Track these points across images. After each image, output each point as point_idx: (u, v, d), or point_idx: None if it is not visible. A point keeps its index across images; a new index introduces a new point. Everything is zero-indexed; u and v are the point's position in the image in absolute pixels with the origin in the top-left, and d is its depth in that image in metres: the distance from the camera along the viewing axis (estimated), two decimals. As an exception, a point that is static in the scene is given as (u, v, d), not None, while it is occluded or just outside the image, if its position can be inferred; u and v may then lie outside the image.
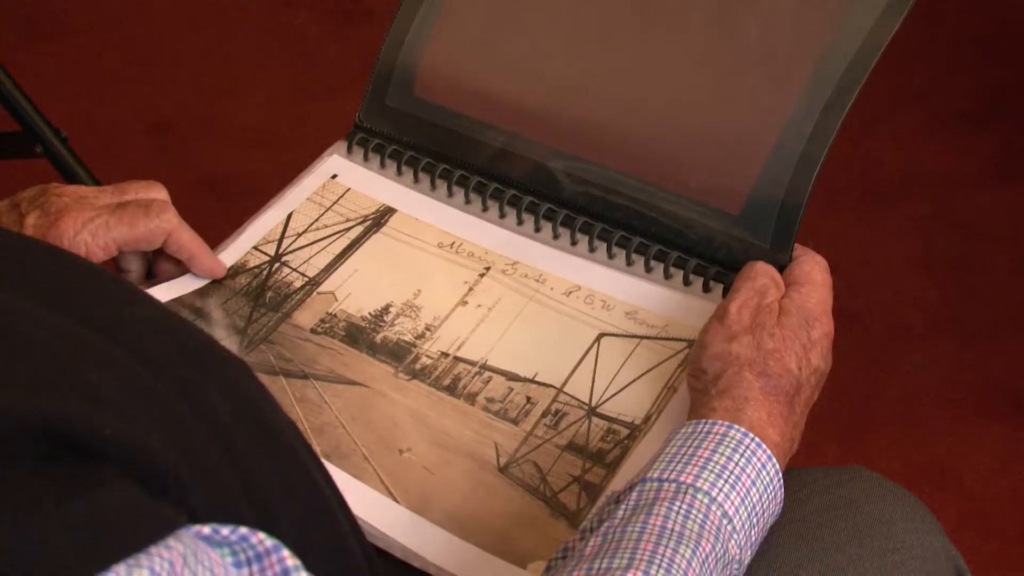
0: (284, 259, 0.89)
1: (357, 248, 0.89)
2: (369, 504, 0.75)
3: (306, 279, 0.88)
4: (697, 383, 0.73)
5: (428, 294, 0.85)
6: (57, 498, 0.41)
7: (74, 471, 0.43)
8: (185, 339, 0.56)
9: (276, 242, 0.90)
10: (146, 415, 0.47)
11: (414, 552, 0.73)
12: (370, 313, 0.85)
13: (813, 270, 0.77)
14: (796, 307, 0.74)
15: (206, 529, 0.46)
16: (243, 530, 0.46)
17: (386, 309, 0.85)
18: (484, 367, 0.81)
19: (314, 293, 0.87)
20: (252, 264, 0.89)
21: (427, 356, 0.82)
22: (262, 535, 0.46)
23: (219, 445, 0.52)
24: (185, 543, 0.44)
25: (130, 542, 0.42)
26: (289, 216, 0.91)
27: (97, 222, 0.79)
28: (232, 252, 0.89)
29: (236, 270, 0.88)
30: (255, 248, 0.90)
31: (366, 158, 0.94)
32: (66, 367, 0.46)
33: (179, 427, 0.50)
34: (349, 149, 0.95)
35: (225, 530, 0.46)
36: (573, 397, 0.79)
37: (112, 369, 0.48)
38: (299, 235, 0.90)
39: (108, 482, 0.43)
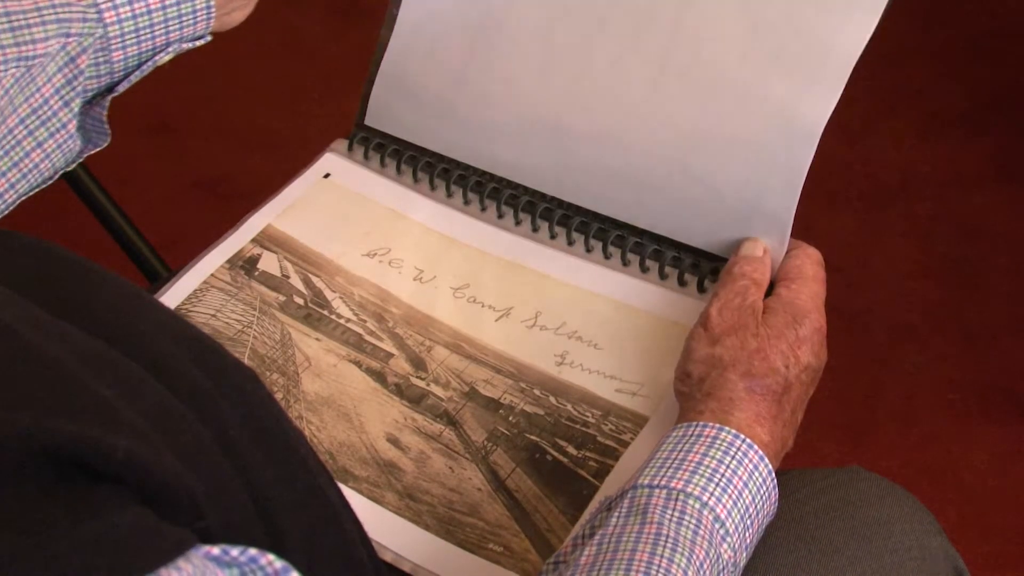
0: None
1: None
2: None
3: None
4: (683, 387, 0.73)
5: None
6: (69, 520, 0.42)
7: (87, 493, 0.43)
8: (195, 346, 0.56)
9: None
10: (160, 432, 0.47)
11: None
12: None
13: (804, 264, 0.76)
14: (783, 304, 0.73)
15: (215, 550, 0.46)
16: (252, 551, 0.46)
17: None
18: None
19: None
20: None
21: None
22: (271, 556, 0.46)
23: (229, 457, 0.52)
24: (194, 564, 0.44)
25: (140, 564, 0.42)
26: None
27: None
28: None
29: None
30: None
31: (366, 156, 0.94)
32: (81, 387, 0.46)
33: (191, 442, 0.50)
34: (350, 148, 0.95)
35: (235, 551, 0.46)
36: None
37: (128, 386, 0.49)
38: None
39: (120, 504, 0.43)
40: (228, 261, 0.89)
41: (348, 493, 0.75)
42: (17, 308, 0.50)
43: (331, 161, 0.95)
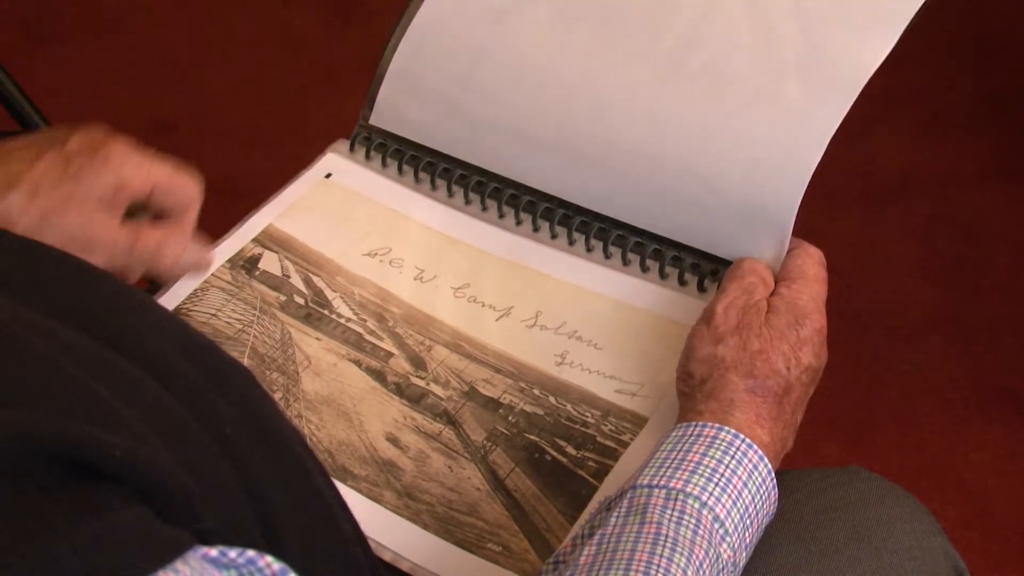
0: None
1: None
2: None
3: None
4: (685, 387, 0.73)
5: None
6: (67, 520, 0.42)
7: (85, 493, 0.43)
8: (191, 346, 0.56)
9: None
10: (157, 432, 0.47)
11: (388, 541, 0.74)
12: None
13: (806, 264, 0.76)
14: (786, 305, 0.73)
15: (213, 551, 0.46)
16: (250, 553, 0.46)
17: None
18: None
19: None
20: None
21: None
22: (269, 558, 0.46)
23: (227, 457, 0.52)
24: (192, 566, 0.44)
25: (138, 566, 0.42)
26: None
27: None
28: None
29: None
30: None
31: (368, 157, 0.94)
32: (78, 386, 0.46)
33: (189, 442, 0.50)
34: (352, 148, 0.95)
35: (232, 552, 0.46)
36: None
37: (123, 385, 0.49)
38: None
39: (119, 505, 0.43)
40: (229, 261, 0.89)
41: (347, 492, 0.75)
42: (13, 309, 0.49)
43: (332, 161, 0.95)
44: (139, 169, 0.76)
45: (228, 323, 0.85)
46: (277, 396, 0.80)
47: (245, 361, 0.82)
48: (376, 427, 0.79)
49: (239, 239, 0.90)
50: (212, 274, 0.88)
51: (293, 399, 0.80)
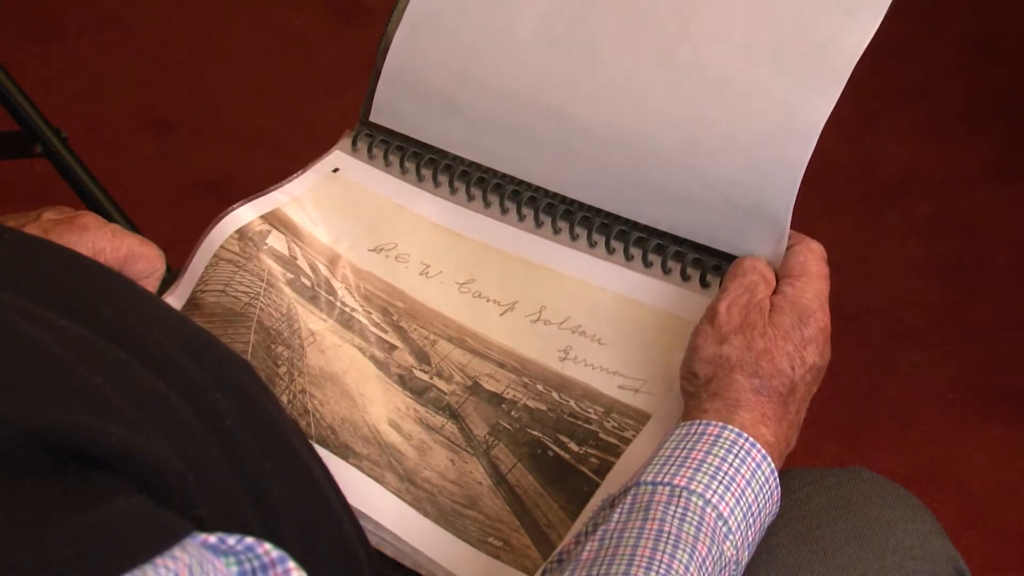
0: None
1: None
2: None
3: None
4: (689, 386, 0.73)
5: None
6: (63, 510, 0.41)
7: (80, 482, 0.43)
8: (190, 338, 0.56)
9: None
10: (152, 421, 0.47)
11: (397, 535, 0.74)
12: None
13: (808, 260, 0.75)
14: (790, 304, 0.73)
15: (212, 538, 0.46)
16: (249, 540, 0.46)
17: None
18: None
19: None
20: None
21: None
22: (268, 545, 0.46)
23: (224, 449, 0.52)
24: (191, 553, 0.44)
25: (136, 553, 0.42)
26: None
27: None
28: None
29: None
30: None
31: (370, 154, 0.94)
32: (71, 374, 0.46)
33: (185, 432, 0.50)
34: (354, 144, 0.95)
35: (231, 539, 0.46)
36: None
37: (118, 374, 0.48)
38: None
39: (114, 492, 0.43)
40: (238, 232, 0.88)
41: (348, 469, 0.75)
42: (8, 299, 0.49)
43: (340, 157, 0.95)
44: (113, 239, 0.79)
45: (236, 297, 0.84)
46: (282, 370, 0.80)
47: (252, 335, 0.82)
48: (379, 411, 0.79)
49: (249, 212, 0.89)
50: (221, 245, 0.87)
51: (298, 373, 0.80)
